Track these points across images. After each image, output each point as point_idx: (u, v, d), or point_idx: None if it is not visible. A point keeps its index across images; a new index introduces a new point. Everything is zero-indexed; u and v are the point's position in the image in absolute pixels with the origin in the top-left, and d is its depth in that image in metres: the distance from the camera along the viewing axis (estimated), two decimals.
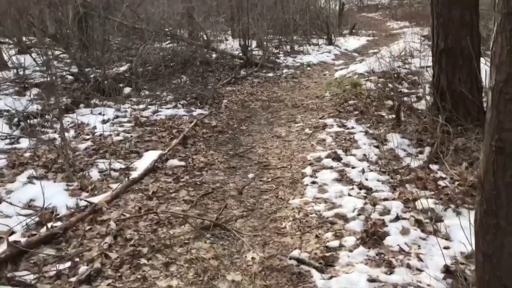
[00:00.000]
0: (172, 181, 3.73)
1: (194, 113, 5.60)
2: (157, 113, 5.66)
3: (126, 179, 3.67)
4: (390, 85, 6.43)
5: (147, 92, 6.95)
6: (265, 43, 10.37)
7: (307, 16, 12.88)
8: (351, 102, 5.75)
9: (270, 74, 8.31)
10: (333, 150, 4.20)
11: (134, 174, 3.80)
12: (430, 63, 7.72)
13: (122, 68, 8.15)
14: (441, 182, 3.41)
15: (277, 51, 10.69)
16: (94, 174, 3.82)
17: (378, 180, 3.53)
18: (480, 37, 4.33)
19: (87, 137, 4.79)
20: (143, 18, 8.74)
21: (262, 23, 10.48)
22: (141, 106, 5.99)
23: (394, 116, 5.06)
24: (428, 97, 5.92)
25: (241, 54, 9.31)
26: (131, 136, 4.70)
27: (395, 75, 6.79)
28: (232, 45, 10.57)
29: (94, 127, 5.07)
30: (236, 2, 12.14)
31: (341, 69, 8.64)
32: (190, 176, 3.84)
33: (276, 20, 11.65)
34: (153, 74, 7.77)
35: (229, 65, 8.91)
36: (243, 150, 4.56)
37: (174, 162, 4.15)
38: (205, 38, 9.00)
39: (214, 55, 9.22)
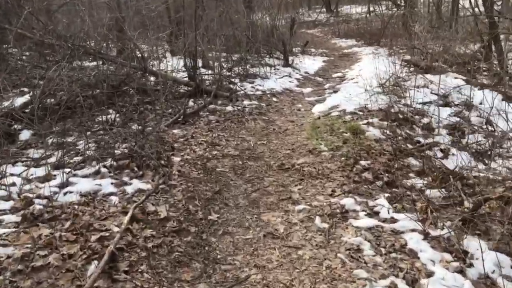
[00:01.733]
0: None
1: (129, 188, 3.45)
2: (67, 187, 3.46)
3: None
4: (401, 131, 4.78)
5: (55, 140, 4.69)
6: (216, 63, 8.38)
7: (259, 32, 11.12)
8: (363, 162, 3.97)
9: (229, 108, 6.36)
10: (391, 285, 2.34)
11: None
12: (429, 98, 6.29)
13: (21, 99, 5.77)
14: None
15: (230, 73, 8.76)
16: None
17: None
18: None
19: None
20: (53, 29, 6.37)
21: (213, 39, 8.51)
22: (41, 172, 3.74)
23: (439, 190, 3.37)
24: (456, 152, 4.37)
25: (187, 79, 7.28)
26: (8, 259, 2.48)
27: (402, 117, 5.18)
28: (172, 64, 8.40)
29: None
30: (179, 14, 10.07)
31: (316, 101, 6.93)
32: None
33: (227, 37, 9.73)
34: (67, 109, 5.49)
35: (173, 94, 6.83)
36: (223, 277, 2.54)
37: None
38: (140, 57, 6.82)
39: (152, 79, 7.11)
